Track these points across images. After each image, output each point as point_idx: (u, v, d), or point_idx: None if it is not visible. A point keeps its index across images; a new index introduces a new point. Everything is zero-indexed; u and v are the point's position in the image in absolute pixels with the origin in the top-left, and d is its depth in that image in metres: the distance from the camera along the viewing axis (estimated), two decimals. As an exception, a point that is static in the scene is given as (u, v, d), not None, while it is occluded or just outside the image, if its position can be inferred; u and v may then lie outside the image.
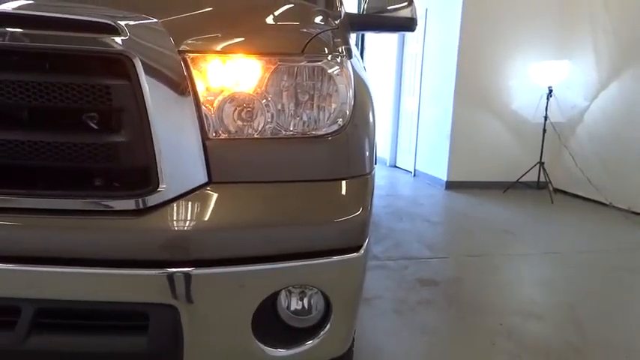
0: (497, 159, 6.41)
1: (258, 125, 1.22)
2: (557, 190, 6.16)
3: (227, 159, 1.19)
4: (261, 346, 1.19)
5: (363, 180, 1.35)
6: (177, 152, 1.13)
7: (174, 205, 1.12)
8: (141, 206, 1.09)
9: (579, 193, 6.03)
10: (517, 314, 2.73)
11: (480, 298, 2.95)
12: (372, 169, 1.43)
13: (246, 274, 1.13)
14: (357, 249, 1.26)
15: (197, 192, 1.15)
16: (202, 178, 1.16)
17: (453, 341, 2.40)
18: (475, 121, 6.31)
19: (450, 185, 6.35)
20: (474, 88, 6.23)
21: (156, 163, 1.10)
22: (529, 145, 6.37)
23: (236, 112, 1.21)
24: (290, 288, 1.26)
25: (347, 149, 1.32)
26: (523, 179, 6.24)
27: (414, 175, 7.35)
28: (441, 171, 6.51)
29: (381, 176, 7.31)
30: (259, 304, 1.16)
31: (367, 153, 1.41)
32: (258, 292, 1.15)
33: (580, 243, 4.25)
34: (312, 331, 1.26)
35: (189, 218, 1.11)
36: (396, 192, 6.39)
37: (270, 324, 1.24)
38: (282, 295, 1.27)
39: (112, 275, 1.06)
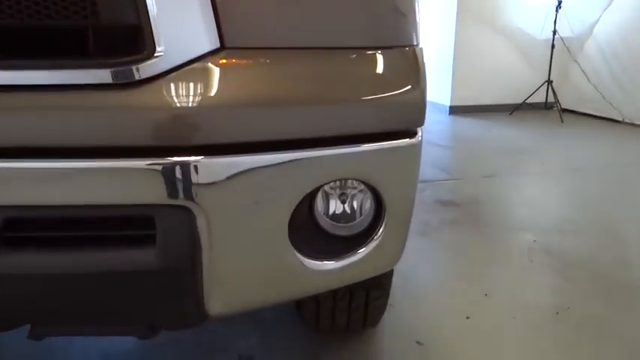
0: (502, 80, 6.08)
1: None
2: (565, 110, 5.88)
3: (245, 16, 0.88)
4: (300, 257, 0.94)
5: (414, 51, 1.06)
6: (177, 6, 0.82)
7: (178, 75, 0.82)
8: (134, 77, 0.80)
9: (589, 112, 5.77)
10: (551, 230, 2.52)
11: (506, 216, 2.73)
12: (419, 38, 1.13)
13: (277, 164, 0.85)
14: (412, 134, 0.98)
15: (207, 60, 0.85)
16: (213, 42, 0.86)
17: (488, 260, 2.18)
18: (478, 40, 5.92)
19: (454, 110, 6.04)
20: (476, 9, 5.80)
21: (148, 20, 0.79)
22: (536, 64, 6.03)
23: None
24: (330, 187, 1.00)
25: (396, 9, 1.02)
26: (530, 100, 5.95)
27: (415, 103, 7.05)
28: (443, 96, 6.18)
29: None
30: (297, 203, 0.90)
31: (415, 18, 1.11)
32: (294, 186, 0.88)
33: (601, 158, 4.02)
34: (360, 240, 1.01)
35: (197, 92, 0.82)
36: (398, 120, 6.10)
37: (309, 232, 0.98)
38: (320, 198, 1.01)
39: (100, 169, 0.79)
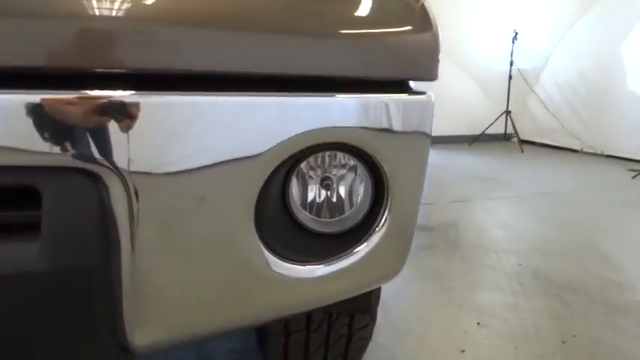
0: (461, 111, 6.02)
1: None
2: (524, 141, 5.87)
3: None
4: (272, 257, 0.64)
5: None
6: None
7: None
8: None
9: (548, 142, 5.77)
10: (534, 253, 2.31)
11: (484, 240, 2.51)
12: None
13: (235, 110, 0.57)
14: (422, 92, 0.73)
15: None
16: None
17: (474, 285, 1.93)
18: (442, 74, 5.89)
19: (415, 140, 5.93)
20: (445, 43, 5.79)
21: None
22: (494, 95, 6.03)
23: None
24: (308, 166, 0.72)
25: None
26: (489, 131, 5.91)
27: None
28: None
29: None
30: (264, 180, 0.61)
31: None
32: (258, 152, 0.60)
33: (569, 183, 3.93)
34: (356, 236, 0.72)
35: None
36: (358, 150, 5.92)
37: (281, 229, 0.69)
38: (295, 182, 0.72)
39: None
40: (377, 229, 0.71)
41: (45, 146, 0.49)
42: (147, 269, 0.58)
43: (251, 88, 0.58)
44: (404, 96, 0.68)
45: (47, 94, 0.49)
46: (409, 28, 0.70)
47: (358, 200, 0.75)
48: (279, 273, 0.66)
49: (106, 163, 0.51)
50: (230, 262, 0.63)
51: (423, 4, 0.77)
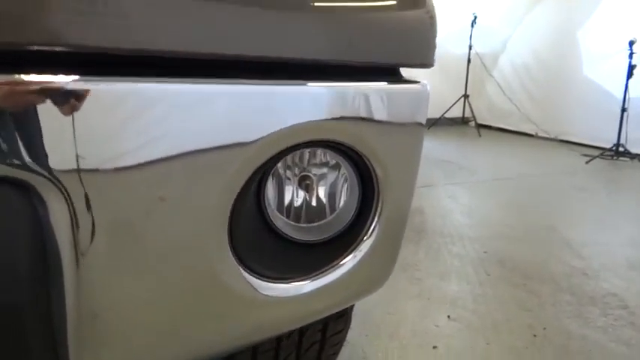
0: (420, 94, 6.02)
1: None
2: (481, 125, 5.93)
3: None
4: (247, 275, 0.55)
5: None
6: None
7: None
8: None
9: (504, 126, 5.85)
10: (497, 239, 2.31)
11: (450, 227, 2.48)
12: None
13: (202, 100, 0.47)
14: (417, 82, 0.64)
15: None
16: None
17: (442, 275, 1.89)
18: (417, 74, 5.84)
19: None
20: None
21: None
22: (452, 79, 6.04)
23: None
24: (283, 165, 0.63)
25: None
26: (447, 115, 5.93)
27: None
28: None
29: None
30: (242, 183, 0.51)
31: None
32: (235, 148, 0.50)
33: (526, 168, 3.98)
34: (341, 245, 0.64)
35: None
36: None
37: (255, 237, 0.60)
38: (270, 182, 0.63)
39: None
40: (365, 237, 0.63)
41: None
42: (96, 294, 0.47)
43: (216, 73, 0.47)
44: (396, 85, 0.59)
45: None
46: (400, 3, 0.61)
47: (342, 204, 0.66)
48: (254, 292, 0.56)
49: (43, 172, 0.39)
50: (199, 280, 0.53)
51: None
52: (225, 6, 0.46)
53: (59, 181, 0.40)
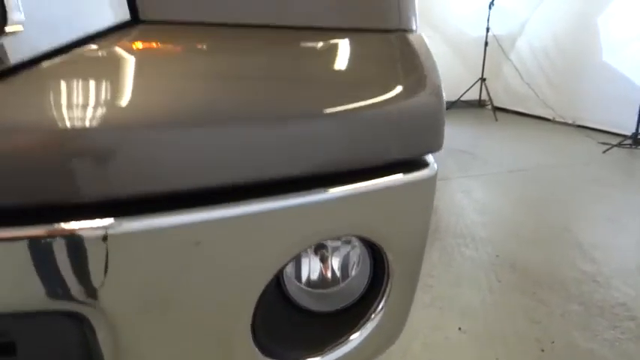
0: (436, 77, 5.96)
1: None
2: (498, 108, 5.88)
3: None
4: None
5: (419, 40, 0.75)
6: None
7: (52, 68, 0.46)
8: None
9: (521, 110, 5.80)
10: (510, 241, 2.34)
11: (463, 227, 2.52)
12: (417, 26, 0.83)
13: (236, 221, 0.51)
14: (424, 163, 0.67)
15: (108, 41, 0.49)
16: (119, 11, 0.50)
17: (454, 281, 1.94)
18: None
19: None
20: (423, 14, 5.64)
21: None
22: (470, 62, 5.98)
23: None
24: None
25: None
26: (463, 98, 5.89)
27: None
28: (378, 92, 5.99)
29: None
30: (263, 287, 0.56)
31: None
32: (261, 260, 0.54)
33: (540, 158, 3.96)
34: (354, 316, 0.68)
35: (98, 100, 0.46)
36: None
37: (275, 313, 0.65)
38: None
39: None
40: (376, 310, 0.67)
41: (15, 289, 0.42)
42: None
43: (236, 195, 0.51)
44: (405, 176, 0.62)
45: (12, 229, 0.42)
46: (412, 97, 0.64)
47: (354, 273, 0.71)
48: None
49: (87, 301, 0.44)
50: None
51: (428, 55, 0.71)
52: (242, 132, 0.50)
53: (107, 312, 0.45)
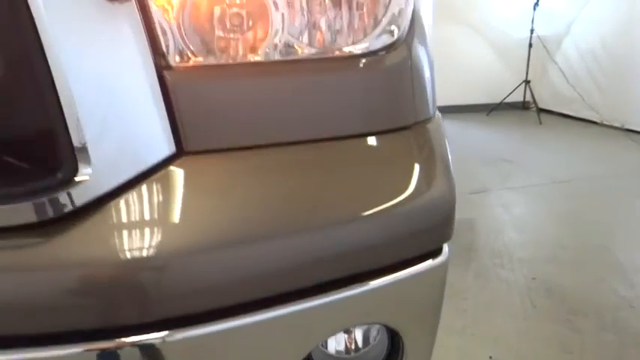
0: (478, 80, 5.90)
1: (259, 38, 0.65)
2: (542, 110, 5.76)
3: (207, 104, 0.62)
4: None
5: (434, 127, 0.82)
6: (110, 100, 0.55)
7: (114, 206, 0.55)
8: (47, 214, 0.53)
9: (567, 112, 5.66)
10: (548, 262, 2.34)
11: (500, 245, 2.54)
12: (435, 108, 0.89)
13: (271, 324, 0.60)
14: (437, 251, 0.74)
15: (158, 175, 0.59)
16: (166, 146, 0.60)
17: (487, 305, 1.98)
18: (454, 39, 5.72)
19: (431, 111, 5.84)
20: (453, 3, 5.59)
21: (65, 125, 0.52)
22: (513, 63, 5.88)
23: (216, 14, 0.63)
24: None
25: (408, 75, 0.77)
26: (506, 100, 5.80)
27: (389, 102, 6.81)
28: (419, 96, 5.98)
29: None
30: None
31: (433, 80, 0.86)
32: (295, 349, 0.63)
33: (585, 168, 3.88)
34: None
35: (135, 242, 0.55)
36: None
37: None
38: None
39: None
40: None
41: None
42: None
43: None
44: (419, 267, 0.69)
45: (88, 344, 0.52)
46: (426, 198, 0.71)
47: (374, 341, 0.78)
48: None
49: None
50: None
51: (440, 144, 0.78)
52: (284, 246, 0.59)
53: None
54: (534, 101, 5.68)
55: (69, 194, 0.53)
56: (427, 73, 0.84)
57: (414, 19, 0.78)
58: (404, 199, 0.69)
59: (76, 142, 0.52)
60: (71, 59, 0.51)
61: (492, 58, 5.93)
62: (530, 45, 5.60)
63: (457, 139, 4.78)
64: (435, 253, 0.73)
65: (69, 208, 0.53)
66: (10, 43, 0.51)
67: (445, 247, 0.75)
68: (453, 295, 2.03)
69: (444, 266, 0.72)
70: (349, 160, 0.70)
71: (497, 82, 5.87)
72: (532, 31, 5.56)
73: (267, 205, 0.62)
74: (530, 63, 5.67)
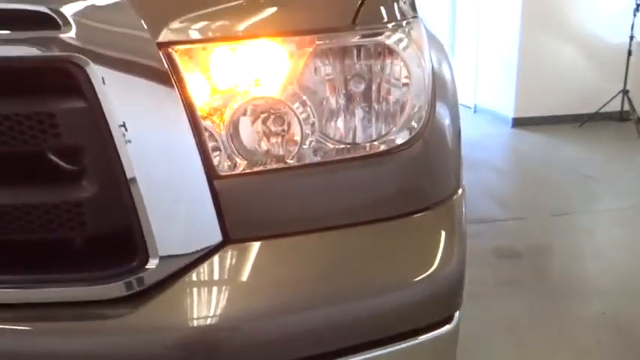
0: (572, 89, 5.63)
1: (294, 144, 0.80)
2: (643, 121, 5.39)
3: (250, 203, 0.79)
4: None
5: (450, 205, 0.92)
6: (171, 208, 0.73)
7: (172, 288, 0.74)
8: (122, 293, 0.72)
9: (671, 123, 5.25)
10: (623, 296, 2.28)
11: (575, 275, 2.49)
12: (460, 184, 0.99)
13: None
14: (447, 319, 0.85)
15: (210, 259, 0.77)
16: (215, 236, 0.77)
17: (551, 341, 1.99)
18: (545, 45, 5.50)
19: (518, 122, 5.67)
20: (544, 5, 5.39)
21: (140, 228, 0.71)
22: (610, 71, 5.55)
23: (257, 127, 0.79)
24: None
25: (426, 165, 0.89)
26: (603, 110, 5.49)
27: (475, 112, 6.67)
28: (506, 106, 5.82)
29: (438, 115, 6.64)
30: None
31: (455, 161, 0.97)
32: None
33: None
34: None
35: (199, 311, 0.73)
36: (457, 133, 5.80)
37: None
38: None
39: None
40: None
41: None
42: None
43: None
44: (428, 335, 0.81)
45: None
46: (438, 270, 0.82)
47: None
48: None
49: None
50: None
51: (454, 234, 0.88)
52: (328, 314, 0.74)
53: None
54: (634, 112, 5.33)
55: (140, 278, 0.72)
56: (448, 157, 0.95)
57: (433, 111, 0.89)
58: (416, 273, 0.82)
59: (148, 241, 0.71)
60: (145, 183, 0.70)
61: (586, 66, 5.64)
62: (630, 52, 5.27)
63: (543, 154, 4.64)
64: (446, 321, 0.84)
65: (141, 287, 0.72)
66: (103, 169, 0.71)
67: (456, 315, 0.86)
68: (515, 326, 2.06)
69: (454, 333, 0.83)
70: (371, 241, 0.84)
71: (591, 91, 5.57)
72: (632, 37, 5.22)
73: (300, 282, 0.78)
74: (629, 71, 5.33)
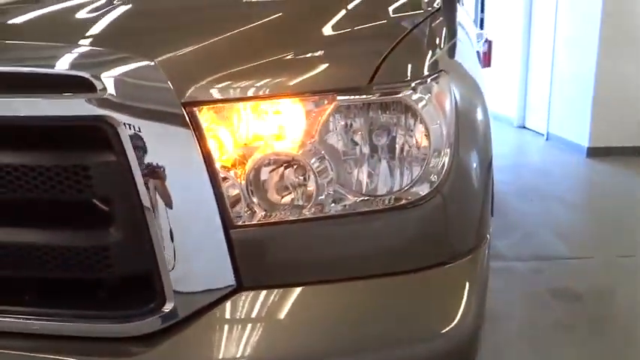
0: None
1: (310, 198, 0.83)
2: None
3: (266, 253, 0.83)
4: None
5: (471, 258, 0.91)
6: (187, 256, 0.79)
7: (187, 330, 0.78)
8: (137, 333, 0.78)
9: None
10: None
11: (634, 322, 2.32)
12: (485, 235, 0.98)
13: None
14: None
15: (223, 304, 0.81)
16: (229, 283, 0.81)
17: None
18: (625, 70, 5.19)
19: (593, 152, 5.36)
20: (624, 29, 5.09)
21: (159, 273, 0.77)
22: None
23: (274, 183, 0.83)
24: None
25: (445, 219, 0.89)
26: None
27: (547, 139, 6.39)
28: (580, 134, 5.52)
29: (505, 140, 6.41)
30: None
31: (479, 212, 0.96)
32: None
33: None
34: None
35: (209, 353, 0.77)
36: (524, 161, 5.59)
37: None
38: None
39: None
40: None
41: None
42: None
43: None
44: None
45: None
46: (452, 328, 0.82)
47: None
48: None
49: None
50: None
51: (472, 290, 0.87)
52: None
53: None
54: None
55: (158, 319, 0.77)
56: (470, 210, 0.94)
57: (455, 163, 0.89)
58: (428, 331, 0.82)
59: (165, 286, 0.77)
60: (164, 225, 0.75)
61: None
62: None
63: (617, 188, 4.37)
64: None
65: (159, 327, 0.77)
66: (124, 221, 0.77)
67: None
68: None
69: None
70: (382, 295, 0.85)
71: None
72: None
73: (312, 332, 0.80)
74: None
